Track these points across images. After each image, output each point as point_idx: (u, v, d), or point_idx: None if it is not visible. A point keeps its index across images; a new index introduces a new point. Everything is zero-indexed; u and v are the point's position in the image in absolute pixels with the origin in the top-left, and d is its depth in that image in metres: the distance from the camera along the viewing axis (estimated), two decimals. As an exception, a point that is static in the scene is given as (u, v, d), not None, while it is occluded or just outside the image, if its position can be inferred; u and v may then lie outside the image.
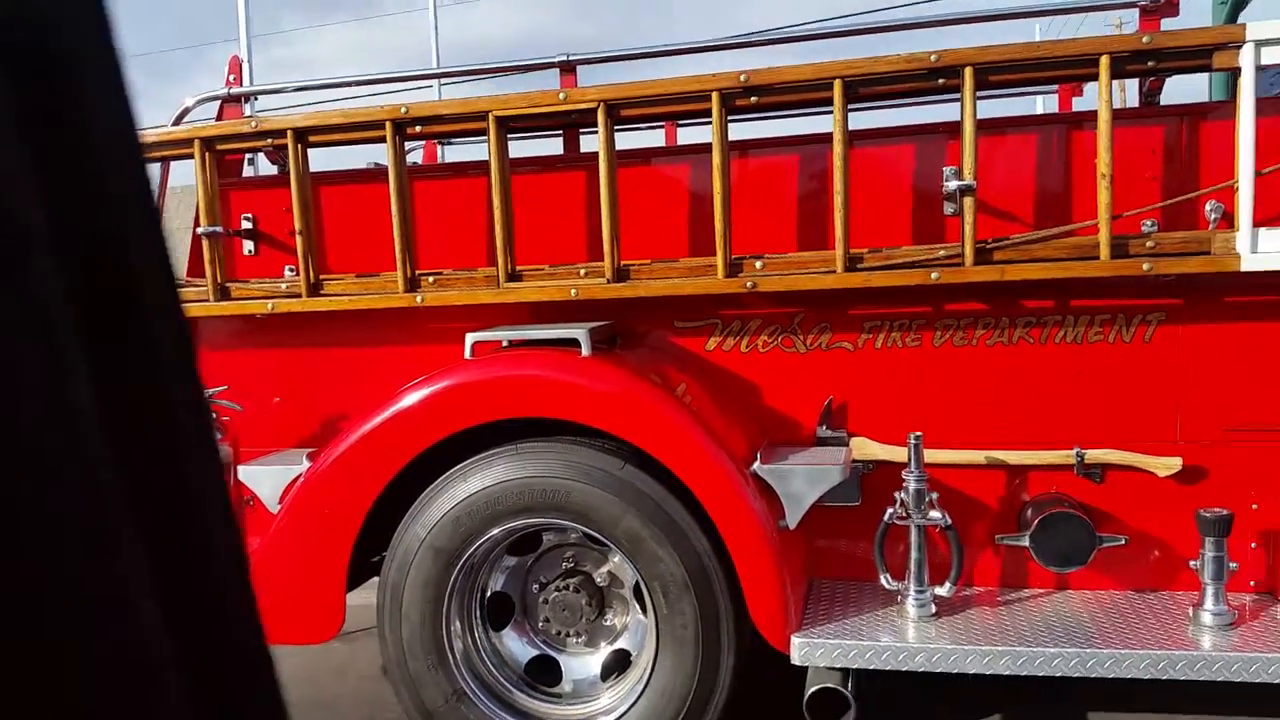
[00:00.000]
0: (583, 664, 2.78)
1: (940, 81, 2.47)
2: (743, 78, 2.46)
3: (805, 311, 2.75)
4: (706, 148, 2.55)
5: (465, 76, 3.81)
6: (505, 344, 2.72)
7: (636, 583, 2.62)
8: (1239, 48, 2.31)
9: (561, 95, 2.60)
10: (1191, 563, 2.48)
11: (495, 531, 2.60)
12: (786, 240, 2.73)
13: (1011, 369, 2.66)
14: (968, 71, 2.40)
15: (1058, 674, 2.34)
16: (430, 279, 2.79)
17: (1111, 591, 2.66)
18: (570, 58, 2.89)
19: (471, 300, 2.73)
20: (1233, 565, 2.44)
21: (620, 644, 2.76)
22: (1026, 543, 2.54)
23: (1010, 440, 2.66)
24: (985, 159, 2.57)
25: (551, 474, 2.56)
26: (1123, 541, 2.55)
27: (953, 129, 2.54)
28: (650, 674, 2.58)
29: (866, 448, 2.72)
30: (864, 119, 3.15)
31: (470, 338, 2.67)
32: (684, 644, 2.54)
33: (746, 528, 2.47)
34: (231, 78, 3.37)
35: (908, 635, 2.47)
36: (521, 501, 2.56)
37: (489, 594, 2.79)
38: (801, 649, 2.48)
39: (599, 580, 2.75)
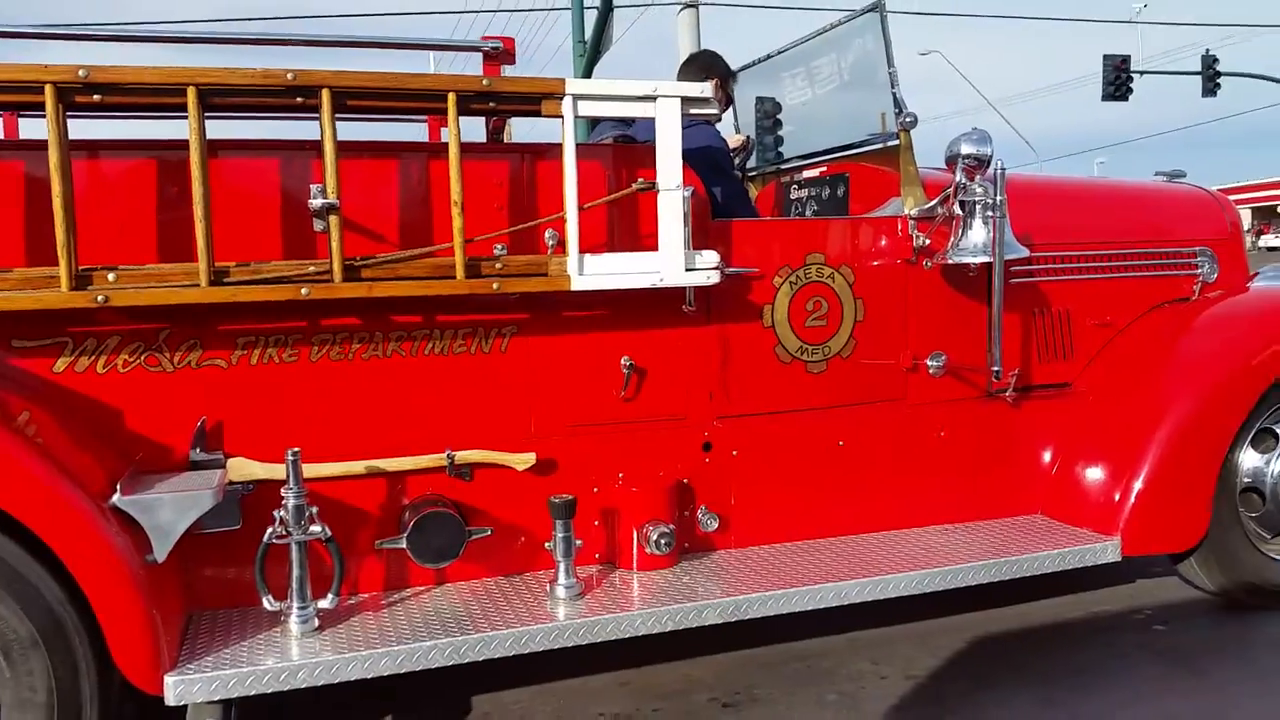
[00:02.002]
0: (-105, 758, 2.29)
1: (300, 100, 2.52)
2: (82, 73, 2.26)
3: (171, 328, 2.59)
4: (44, 144, 2.28)
5: None
6: None
7: (-28, 649, 2.24)
8: (561, 99, 2.71)
9: None
10: (547, 544, 2.81)
11: None
12: (148, 251, 2.55)
13: (387, 381, 2.79)
14: (325, 93, 2.47)
15: (434, 665, 2.49)
16: None
17: (484, 580, 2.91)
18: None
19: None
20: (579, 542, 2.82)
21: (-48, 723, 2.33)
22: (404, 544, 2.67)
23: (389, 449, 2.78)
24: (355, 180, 2.68)
25: None
26: (489, 532, 2.80)
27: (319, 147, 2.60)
28: (-8, 751, 2.22)
29: (245, 468, 2.64)
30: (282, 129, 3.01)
31: None
32: (34, 709, 2.24)
33: (102, 568, 2.24)
34: None
35: (291, 654, 2.43)
36: None
37: None
38: (176, 688, 2.32)
39: (-82, 654, 2.29)
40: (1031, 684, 3.02)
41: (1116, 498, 3.33)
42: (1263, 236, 54.57)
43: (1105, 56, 24.55)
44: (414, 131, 3.92)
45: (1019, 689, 2.99)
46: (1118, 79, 24.39)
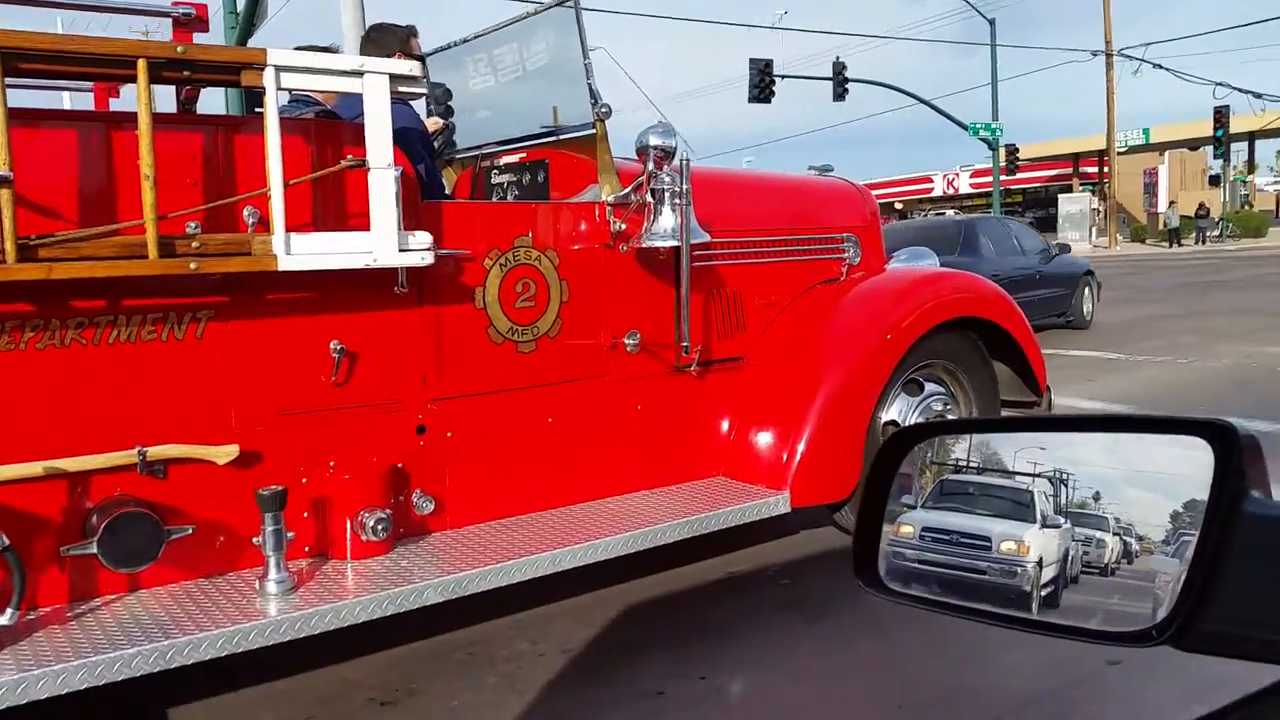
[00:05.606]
0: None
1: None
2: None
3: None
4: None
5: None
6: None
7: None
8: (263, 69, 2.59)
9: None
10: (255, 539, 2.69)
11: None
12: None
13: (67, 373, 2.53)
14: (-8, 54, 2.20)
15: (139, 673, 2.32)
16: None
17: (185, 582, 2.73)
18: None
19: None
20: (290, 534, 2.71)
21: None
22: (94, 549, 2.45)
23: (72, 447, 2.53)
24: (24, 151, 2.40)
25: None
26: (190, 531, 2.63)
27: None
28: None
29: (-107, 475, 2.30)
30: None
31: None
32: None
33: None
34: None
35: (-37, 677, 2.17)
36: None
37: None
38: None
39: None
40: (675, 644, 3.25)
41: (784, 458, 3.74)
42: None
43: (751, 60, 26.67)
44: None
45: (664, 649, 3.21)
46: (762, 81, 26.59)
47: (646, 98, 4.16)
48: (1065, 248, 12.73)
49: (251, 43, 11.65)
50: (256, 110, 3.38)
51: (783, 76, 27.32)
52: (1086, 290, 12.24)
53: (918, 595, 1.10)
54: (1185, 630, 0.79)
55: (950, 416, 4.18)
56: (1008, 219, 14.01)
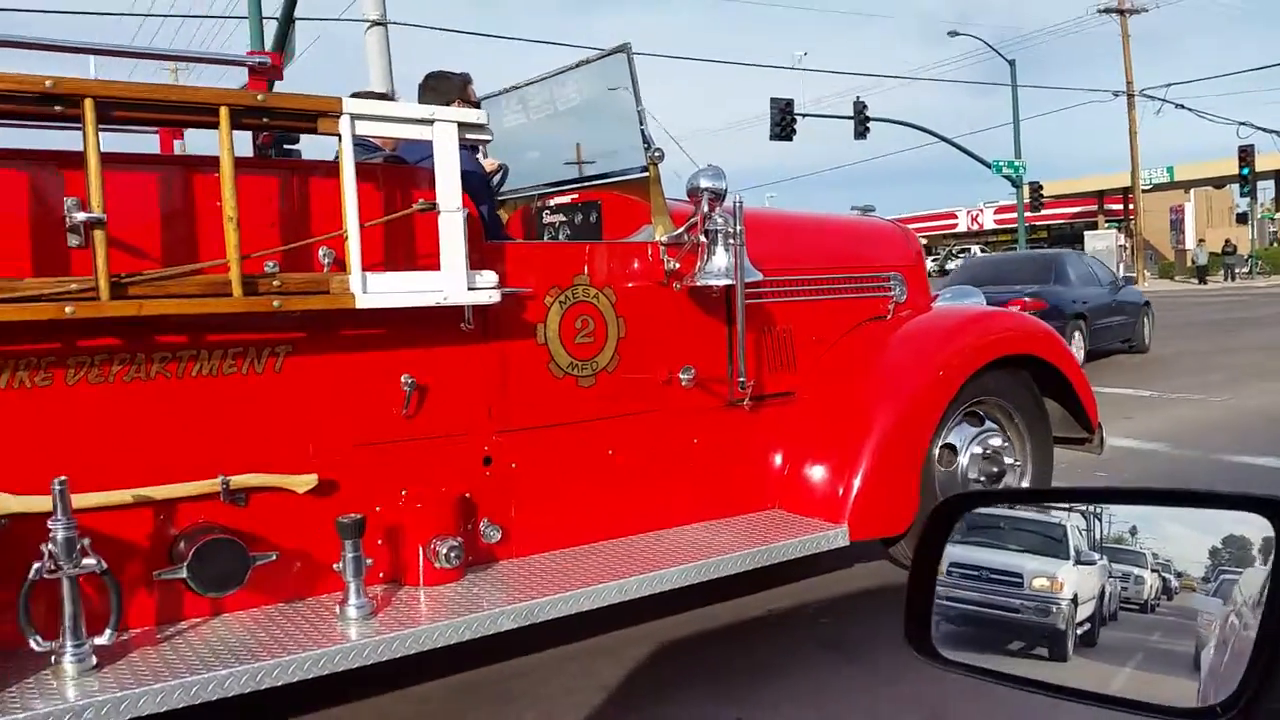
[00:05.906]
0: None
1: (58, 109, 2.36)
2: None
3: (-94, 352, 2.31)
4: None
5: None
6: None
7: None
8: (338, 117, 2.71)
9: None
10: (335, 565, 2.76)
11: None
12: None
13: (152, 404, 2.63)
14: (89, 103, 2.33)
15: (231, 693, 2.38)
16: None
17: (265, 608, 2.80)
18: None
19: None
20: (368, 561, 2.79)
21: None
22: (184, 574, 2.53)
23: (158, 475, 2.62)
24: (110, 193, 2.52)
25: None
26: (274, 557, 2.71)
27: (70, 158, 2.44)
28: None
29: (-3, 503, 2.39)
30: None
31: None
32: None
33: None
34: None
35: (68, 696, 2.23)
36: None
37: None
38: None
39: None
40: (713, 682, 3.24)
41: (840, 492, 3.76)
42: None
43: (772, 100, 26.90)
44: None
45: (701, 688, 3.20)
46: (783, 120, 26.80)
47: (675, 143, 4.24)
48: (1130, 279, 13.84)
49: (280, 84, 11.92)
50: (285, 147, 3.51)
51: (804, 115, 27.47)
52: (1146, 319, 13.43)
53: (971, 665, 1.09)
54: (1251, 711, 0.78)
55: (1006, 455, 4.21)
56: (1083, 254, 15.16)
